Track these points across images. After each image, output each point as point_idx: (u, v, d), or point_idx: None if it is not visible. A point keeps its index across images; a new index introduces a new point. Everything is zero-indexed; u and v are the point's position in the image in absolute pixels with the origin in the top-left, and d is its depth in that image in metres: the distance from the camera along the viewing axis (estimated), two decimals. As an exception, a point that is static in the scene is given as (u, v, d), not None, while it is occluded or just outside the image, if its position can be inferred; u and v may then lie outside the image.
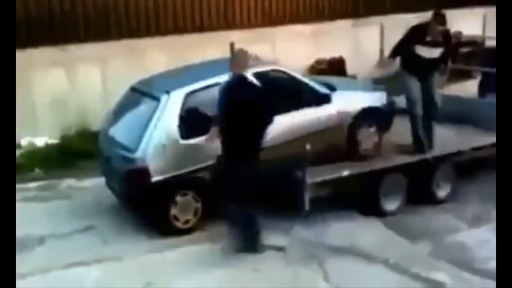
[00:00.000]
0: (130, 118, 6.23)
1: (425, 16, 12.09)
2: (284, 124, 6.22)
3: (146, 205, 5.84)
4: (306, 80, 6.64)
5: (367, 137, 6.74)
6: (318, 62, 11.23)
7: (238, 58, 5.49)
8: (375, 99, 6.96)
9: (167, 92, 5.79)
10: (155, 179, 5.69)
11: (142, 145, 5.67)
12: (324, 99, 6.48)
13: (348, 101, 6.66)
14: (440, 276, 5.35)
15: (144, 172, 5.66)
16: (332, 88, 6.71)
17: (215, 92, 5.89)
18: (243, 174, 5.29)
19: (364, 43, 12.01)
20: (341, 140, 6.63)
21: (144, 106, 6.07)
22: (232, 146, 5.35)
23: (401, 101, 7.10)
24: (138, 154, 5.67)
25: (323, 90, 6.57)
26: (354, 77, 10.95)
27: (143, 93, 6.23)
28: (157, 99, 5.86)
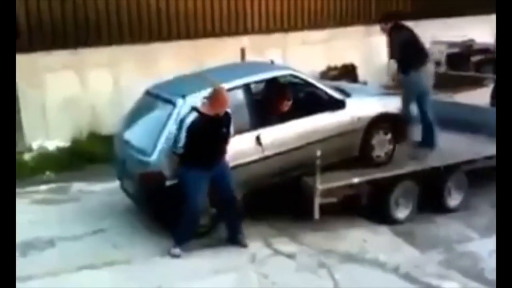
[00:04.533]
0: (145, 121, 6.25)
1: (434, 24, 12.07)
2: (298, 129, 6.23)
3: (161, 208, 5.84)
4: (321, 85, 6.62)
5: (382, 143, 6.70)
6: (330, 68, 11.22)
7: (213, 98, 5.51)
8: (391, 105, 6.90)
9: (183, 97, 5.81)
10: (169, 182, 5.70)
11: (157, 148, 5.68)
12: (339, 105, 6.45)
13: (363, 107, 6.62)
14: (450, 285, 5.33)
15: (158, 176, 5.67)
16: (347, 94, 6.69)
17: (231, 97, 5.90)
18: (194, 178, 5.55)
19: (375, 49, 11.95)
20: (354, 146, 6.60)
21: (160, 110, 6.07)
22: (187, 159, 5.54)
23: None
24: (153, 158, 5.68)
25: (338, 95, 6.54)
26: (365, 83, 10.94)
27: (158, 97, 6.25)
28: (172, 103, 5.86)
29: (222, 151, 5.66)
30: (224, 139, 5.62)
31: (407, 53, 6.83)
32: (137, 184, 5.97)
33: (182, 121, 5.53)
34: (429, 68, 7.08)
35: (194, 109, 5.55)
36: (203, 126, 5.47)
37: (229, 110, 5.60)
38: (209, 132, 5.47)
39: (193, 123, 5.46)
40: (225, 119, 5.58)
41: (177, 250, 5.71)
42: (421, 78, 6.88)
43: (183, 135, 5.47)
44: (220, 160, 5.66)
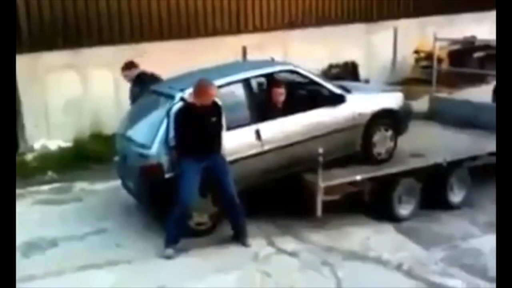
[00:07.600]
0: (146, 118, 6.27)
1: (436, 21, 12.04)
2: (298, 123, 6.23)
3: (160, 202, 5.82)
4: (320, 80, 6.62)
5: (382, 140, 6.69)
6: (332, 66, 11.20)
7: (196, 88, 5.59)
8: (392, 101, 6.90)
9: (182, 90, 5.84)
10: (168, 175, 5.70)
11: (157, 141, 5.70)
12: (339, 99, 6.45)
13: (363, 102, 6.62)
14: (453, 282, 5.31)
15: (157, 168, 5.69)
16: (347, 90, 6.68)
17: (228, 91, 5.97)
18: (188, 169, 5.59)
19: (376, 47, 11.97)
20: (355, 142, 6.60)
21: (160, 106, 6.11)
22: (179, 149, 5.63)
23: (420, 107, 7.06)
24: (152, 151, 5.71)
25: (337, 90, 6.55)
26: (367, 81, 10.93)
27: (158, 93, 6.30)
28: (171, 97, 5.90)
29: (214, 141, 5.66)
30: (213, 129, 5.64)
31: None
32: (137, 177, 5.97)
33: (169, 111, 5.64)
34: None
35: (181, 99, 5.67)
36: (189, 114, 5.56)
37: (217, 100, 5.63)
38: (196, 120, 5.53)
39: (179, 111, 5.58)
40: (214, 108, 5.63)
41: (169, 251, 5.69)
42: None
43: (171, 124, 5.57)
44: (212, 151, 5.65)
